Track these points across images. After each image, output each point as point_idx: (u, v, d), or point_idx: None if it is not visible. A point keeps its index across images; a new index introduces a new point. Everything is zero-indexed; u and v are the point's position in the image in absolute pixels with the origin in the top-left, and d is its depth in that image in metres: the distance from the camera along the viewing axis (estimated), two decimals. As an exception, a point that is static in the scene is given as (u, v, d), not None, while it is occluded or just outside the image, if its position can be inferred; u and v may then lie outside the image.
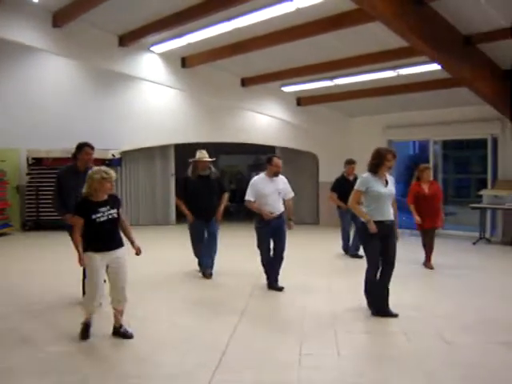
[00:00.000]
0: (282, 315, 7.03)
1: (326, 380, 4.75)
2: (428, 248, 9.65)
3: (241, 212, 17.04)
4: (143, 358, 5.26)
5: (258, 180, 8.01)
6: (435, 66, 10.73)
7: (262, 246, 8.06)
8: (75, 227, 5.63)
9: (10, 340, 5.73)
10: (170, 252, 10.96)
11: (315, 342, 5.72)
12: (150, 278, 8.72)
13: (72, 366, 5.01)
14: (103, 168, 5.69)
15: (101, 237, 5.60)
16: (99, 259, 5.55)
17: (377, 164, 6.50)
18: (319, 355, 5.35)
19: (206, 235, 9.04)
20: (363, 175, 6.62)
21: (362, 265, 10.09)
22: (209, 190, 8.92)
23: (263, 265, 8.18)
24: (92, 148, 7.00)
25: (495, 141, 13.30)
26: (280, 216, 8.01)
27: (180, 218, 16.53)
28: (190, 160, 9.08)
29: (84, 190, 5.66)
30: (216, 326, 6.36)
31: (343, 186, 10.81)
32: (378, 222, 6.46)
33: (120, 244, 5.76)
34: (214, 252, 9.06)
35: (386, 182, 6.58)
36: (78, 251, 5.60)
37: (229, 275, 9.12)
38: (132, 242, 5.89)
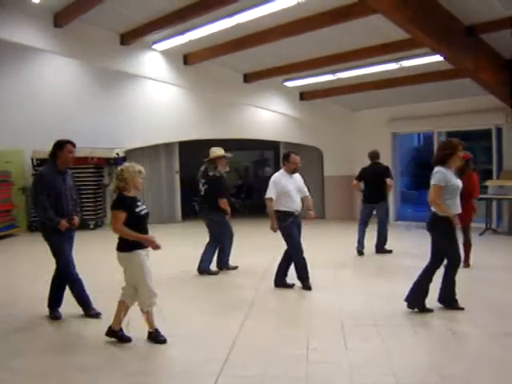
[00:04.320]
0: (288, 310, 7.04)
1: (333, 373, 4.75)
2: (468, 246, 8.95)
3: (246, 208, 17.06)
4: (151, 354, 5.29)
5: (280, 176, 7.75)
6: (438, 58, 10.69)
7: (295, 243, 7.72)
8: (119, 223, 5.38)
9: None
10: (176, 249, 10.93)
11: (322, 336, 5.73)
12: (157, 275, 8.71)
13: (79, 364, 5.03)
14: (133, 163, 5.65)
15: (143, 231, 5.54)
16: (144, 255, 5.51)
17: (448, 154, 6.25)
18: (327, 349, 5.36)
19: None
20: (440, 170, 6.25)
21: (369, 258, 10.14)
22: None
23: (298, 262, 7.76)
24: (74, 145, 6.46)
25: (500, 131, 13.27)
26: (300, 214, 7.86)
27: (186, 215, 16.61)
28: (211, 157, 8.97)
29: (117, 185, 5.51)
30: (223, 321, 6.38)
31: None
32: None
33: None
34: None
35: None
36: (140, 237, 5.43)
37: (235, 271, 9.15)
38: None
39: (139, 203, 5.60)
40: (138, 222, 5.50)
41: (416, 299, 6.46)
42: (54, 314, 6.50)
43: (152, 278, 5.56)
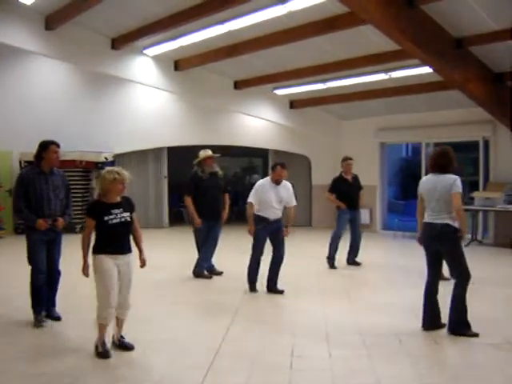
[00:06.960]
0: (274, 317, 7.03)
1: (317, 381, 4.76)
2: None
3: (233, 214, 16.98)
4: (135, 360, 5.25)
5: (262, 183, 8.09)
6: (427, 69, 10.78)
7: (255, 248, 8.08)
8: (86, 231, 5.37)
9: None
10: (162, 255, 10.94)
11: (307, 344, 5.73)
12: (141, 280, 8.66)
13: (62, 368, 4.99)
14: (116, 168, 5.47)
15: (113, 240, 5.33)
16: (111, 262, 5.27)
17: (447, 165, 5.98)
18: (311, 356, 5.36)
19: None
20: (458, 177, 5.87)
21: (355, 268, 10.15)
22: (218, 188, 9.17)
23: (249, 266, 8.13)
24: (58, 146, 6.40)
25: (487, 143, 13.40)
26: (278, 220, 8.04)
27: (174, 220, 16.58)
28: (196, 161, 9.14)
29: (97, 191, 5.48)
30: (208, 328, 6.37)
31: (341, 187, 10.10)
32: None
33: (130, 249, 5.48)
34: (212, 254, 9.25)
35: None
36: (84, 260, 5.35)
37: (221, 277, 9.13)
38: (140, 251, 5.59)
39: (116, 211, 5.36)
40: (107, 231, 5.31)
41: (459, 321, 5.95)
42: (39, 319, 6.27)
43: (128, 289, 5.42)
